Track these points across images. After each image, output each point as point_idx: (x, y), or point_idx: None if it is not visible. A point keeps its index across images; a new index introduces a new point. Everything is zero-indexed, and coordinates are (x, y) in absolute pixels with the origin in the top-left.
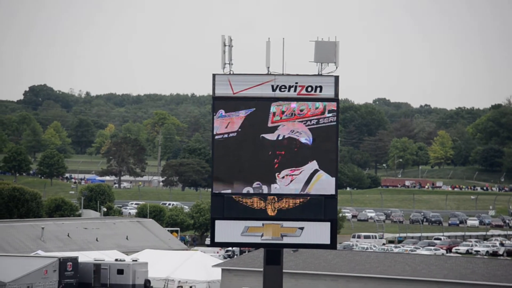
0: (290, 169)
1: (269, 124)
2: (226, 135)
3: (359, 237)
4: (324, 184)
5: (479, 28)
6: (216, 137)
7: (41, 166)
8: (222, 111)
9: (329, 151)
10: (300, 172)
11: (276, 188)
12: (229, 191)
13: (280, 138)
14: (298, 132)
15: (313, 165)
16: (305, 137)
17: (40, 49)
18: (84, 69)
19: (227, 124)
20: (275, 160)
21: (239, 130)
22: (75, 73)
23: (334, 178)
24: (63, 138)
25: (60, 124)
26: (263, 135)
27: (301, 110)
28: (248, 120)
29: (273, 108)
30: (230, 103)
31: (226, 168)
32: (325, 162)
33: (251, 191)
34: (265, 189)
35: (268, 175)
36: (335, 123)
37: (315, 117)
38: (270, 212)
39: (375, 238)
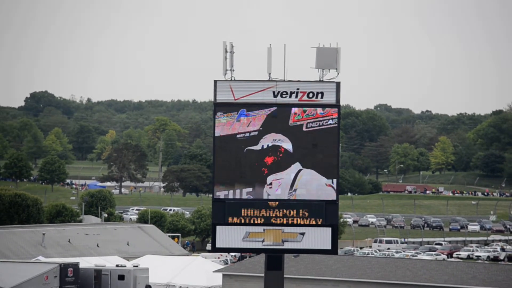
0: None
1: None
2: (227, 139)
3: (380, 241)
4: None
5: (481, 34)
6: (217, 141)
7: (42, 172)
8: (222, 114)
9: (330, 156)
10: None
11: (271, 192)
12: (230, 196)
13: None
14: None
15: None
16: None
17: (42, 55)
18: (85, 76)
19: (228, 128)
20: (270, 164)
21: (243, 133)
22: (76, 80)
23: (330, 181)
24: (64, 144)
25: (61, 130)
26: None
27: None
28: (251, 125)
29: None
30: (231, 109)
31: (227, 174)
32: (325, 167)
33: (251, 195)
34: (263, 194)
35: (264, 180)
36: (336, 128)
37: (317, 121)
38: (271, 218)
39: (397, 242)
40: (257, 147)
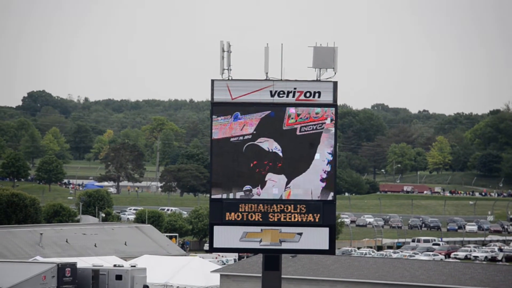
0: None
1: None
2: (224, 142)
3: (418, 241)
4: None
5: (478, 34)
6: (215, 142)
7: (40, 171)
8: (222, 116)
9: (326, 156)
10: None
11: (268, 193)
12: (227, 196)
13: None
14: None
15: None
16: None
17: (39, 55)
18: (83, 75)
19: (225, 131)
20: (266, 166)
21: (238, 136)
22: (74, 79)
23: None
24: (61, 144)
25: (58, 130)
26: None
27: (298, 115)
28: (248, 126)
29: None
30: (227, 111)
31: (225, 174)
32: (321, 168)
33: (244, 195)
34: (260, 193)
35: (260, 181)
36: (333, 128)
37: (313, 123)
38: (269, 218)
39: (434, 241)
40: (253, 150)
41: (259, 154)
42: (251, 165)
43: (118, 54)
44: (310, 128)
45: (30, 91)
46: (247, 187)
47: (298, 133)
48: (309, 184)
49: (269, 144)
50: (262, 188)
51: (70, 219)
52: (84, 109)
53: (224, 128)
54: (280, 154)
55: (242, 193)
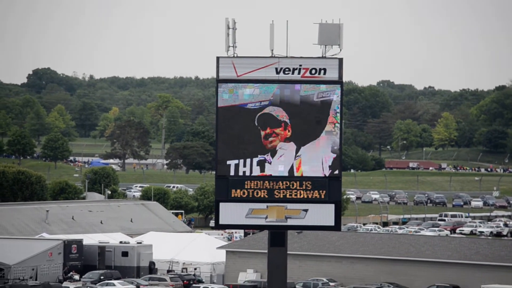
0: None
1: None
2: (230, 112)
3: (446, 215)
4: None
5: (483, 10)
6: (221, 114)
7: (45, 149)
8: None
9: (333, 132)
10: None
11: (275, 168)
12: (233, 173)
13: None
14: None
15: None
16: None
17: (44, 32)
18: (88, 53)
19: (230, 101)
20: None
21: (244, 109)
22: (79, 57)
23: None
24: (67, 121)
25: (64, 107)
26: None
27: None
28: (254, 99)
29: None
30: (234, 86)
31: (230, 150)
32: (328, 143)
33: (255, 164)
34: (266, 169)
35: (267, 153)
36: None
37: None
38: (275, 194)
39: (461, 217)
40: (261, 120)
41: (269, 123)
42: (258, 136)
43: (123, 31)
44: (316, 103)
45: (35, 69)
46: (253, 159)
47: (304, 101)
48: (316, 161)
49: (277, 116)
50: (268, 162)
51: (76, 196)
52: (90, 87)
53: (229, 100)
54: (286, 127)
55: (248, 165)
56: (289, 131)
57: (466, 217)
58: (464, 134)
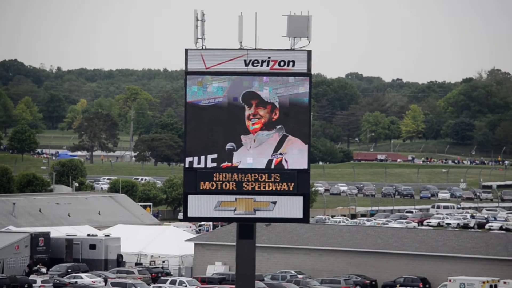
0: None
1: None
2: (198, 107)
3: (438, 207)
4: (295, 153)
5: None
6: (189, 108)
7: (12, 141)
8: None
9: (302, 125)
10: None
11: (243, 160)
12: (202, 165)
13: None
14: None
15: (281, 130)
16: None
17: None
18: (55, 44)
19: (198, 95)
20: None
21: (213, 101)
22: (46, 48)
23: (306, 148)
24: (34, 113)
25: (31, 99)
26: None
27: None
28: (222, 91)
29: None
30: (202, 78)
31: (199, 142)
32: (298, 135)
33: (224, 155)
34: (238, 150)
35: (236, 145)
36: (307, 97)
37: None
38: (243, 186)
39: (453, 208)
40: (229, 114)
41: (233, 119)
42: (227, 130)
43: (91, 23)
44: (284, 96)
45: (2, 60)
46: (221, 152)
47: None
48: (284, 153)
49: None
50: (236, 154)
51: (43, 189)
52: (57, 79)
53: (197, 94)
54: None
55: (214, 159)
56: (256, 126)
57: (458, 208)
58: (431, 126)
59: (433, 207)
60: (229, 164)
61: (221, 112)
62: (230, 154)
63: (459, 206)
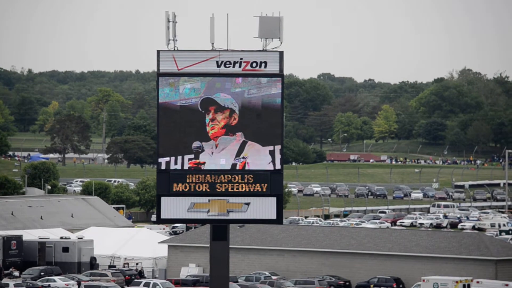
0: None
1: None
2: (170, 108)
3: (439, 206)
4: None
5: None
6: (161, 110)
7: None
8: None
9: (274, 126)
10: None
11: (216, 161)
12: (175, 167)
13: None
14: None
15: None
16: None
17: None
18: (26, 46)
19: (171, 97)
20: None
21: (185, 103)
22: (17, 50)
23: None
24: (5, 116)
25: (2, 101)
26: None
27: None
28: (195, 92)
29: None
30: (175, 79)
31: (172, 143)
32: (269, 137)
33: (195, 163)
34: (208, 163)
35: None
36: (280, 98)
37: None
38: (217, 188)
39: (453, 207)
40: (202, 116)
41: (205, 121)
42: (199, 131)
43: (62, 25)
44: (257, 97)
45: None
46: (195, 154)
47: (246, 96)
48: (256, 154)
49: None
50: (210, 156)
51: (16, 192)
52: (28, 81)
53: (169, 95)
54: (227, 122)
55: (189, 160)
56: (228, 127)
57: (458, 207)
58: (403, 126)
59: (433, 206)
60: (197, 160)
61: (193, 113)
62: (198, 153)
63: (459, 205)
